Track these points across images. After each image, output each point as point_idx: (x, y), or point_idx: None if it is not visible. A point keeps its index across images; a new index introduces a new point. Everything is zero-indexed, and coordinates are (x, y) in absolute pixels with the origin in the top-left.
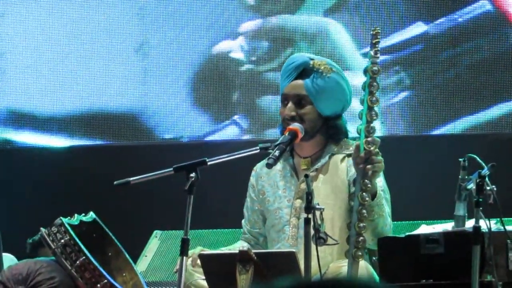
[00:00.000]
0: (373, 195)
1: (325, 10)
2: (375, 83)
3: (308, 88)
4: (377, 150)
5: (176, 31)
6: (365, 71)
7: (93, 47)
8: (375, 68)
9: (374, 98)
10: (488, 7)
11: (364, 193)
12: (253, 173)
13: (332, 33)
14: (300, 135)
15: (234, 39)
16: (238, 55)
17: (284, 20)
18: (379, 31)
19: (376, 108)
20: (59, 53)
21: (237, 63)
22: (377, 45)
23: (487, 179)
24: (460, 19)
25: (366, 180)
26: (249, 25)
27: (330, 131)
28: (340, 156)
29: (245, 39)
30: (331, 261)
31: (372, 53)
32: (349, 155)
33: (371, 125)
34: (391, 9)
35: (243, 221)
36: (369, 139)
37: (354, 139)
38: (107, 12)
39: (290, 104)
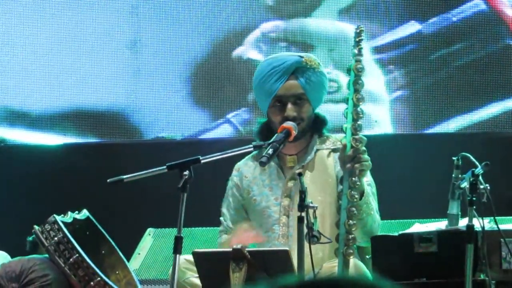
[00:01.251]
0: (361, 194)
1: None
2: (360, 81)
3: (304, 86)
4: (364, 148)
5: (169, 28)
6: (349, 70)
7: (86, 45)
8: (360, 66)
9: (359, 96)
10: (482, 6)
11: (352, 191)
12: (235, 172)
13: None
14: (294, 134)
15: (233, 37)
16: (242, 53)
17: (300, 23)
18: (362, 29)
19: (361, 106)
20: (52, 51)
21: (233, 61)
22: (360, 43)
23: (480, 177)
24: (454, 19)
25: (354, 178)
26: (265, 26)
27: (317, 124)
28: (326, 151)
29: (248, 38)
30: (322, 257)
31: (356, 51)
32: (334, 150)
33: (358, 123)
34: (385, 8)
35: (223, 219)
36: (356, 137)
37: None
38: (100, 10)
39: (290, 105)
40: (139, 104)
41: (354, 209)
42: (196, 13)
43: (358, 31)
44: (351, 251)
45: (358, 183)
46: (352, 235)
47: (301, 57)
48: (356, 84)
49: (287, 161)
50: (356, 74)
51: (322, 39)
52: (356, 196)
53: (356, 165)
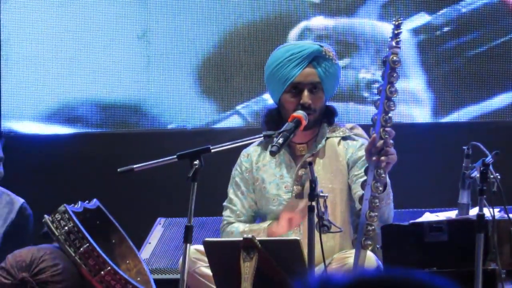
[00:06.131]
0: (384, 186)
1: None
2: (394, 74)
3: (320, 75)
4: (391, 141)
5: (180, 19)
6: (385, 61)
7: (96, 35)
8: (396, 58)
9: (393, 89)
10: None
11: (377, 183)
12: (244, 158)
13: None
14: (304, 123)
15: (244, 27)
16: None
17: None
18: (401, 21)
19: (394, 99)
20: (62, 41)
21: (243, 52)
22: (398, 36)
23: (491, 167)
24: (463, 10)
25: (379, 171)
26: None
27: (328, 114)
28: (336, 139)
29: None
30: (333, 245)
31: (393, 43)
32: (344, 138)
33: (389, 115)
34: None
35: (231, 205)
36: (387, 129)
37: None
38: (109, 0)
39: (306, 92)
40: (150, 95)
41: (377, 201)
42: (206, 3)
43: (397, 23)
44: (370, 242)
45: (383, 175)
46: (373, 227)
47: (321, 46)
48: (391, 77)
49: (298, 149)
50: (391, 66)
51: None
52: (380, 188)
53: (383, 158)
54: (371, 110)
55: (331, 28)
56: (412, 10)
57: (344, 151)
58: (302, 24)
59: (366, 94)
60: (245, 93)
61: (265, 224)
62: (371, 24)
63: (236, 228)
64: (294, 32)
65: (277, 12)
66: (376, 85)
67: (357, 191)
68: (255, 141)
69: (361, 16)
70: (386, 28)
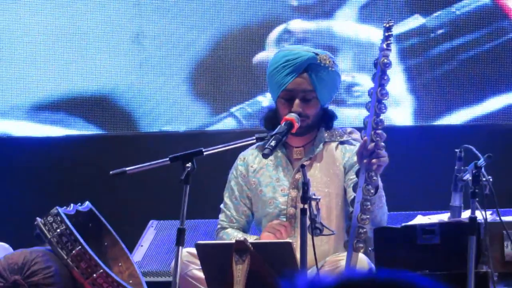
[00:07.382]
0: (376, 188)
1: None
2: (385, 76)
3: (314, 83)
4: (383, 144)
5: (173, 21)
6: (376, 64)
7: (89, 38)
8: (386, 61)
9: (384, 91)
10: (486, 0)
11: (368, 186)
12: (240, 162)
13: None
14: (297, 125)
15: (237, 31)
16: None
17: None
18: (392, 23)
19: (385, 102)
20: (54, 44)
21: (236, 55)
22: (389, 38)
23: (483, 169)
24: (457, 12)
25: (371, 173)
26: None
27: (326, 119)
28: (333, 144)
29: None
30: (328, 249)
31: (384, 46)
32: (341, 143)
33: (380, 118)
34: (389, 1)
35: (225, 208)
36: (378, 131)
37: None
38: (103, 2)
39: (297, 101)
40: (143, 97)
41: (368, 203)
42: (199, 6)
43: (387, 25)
44: (361, 245)
45: (374, 177)
46: (364, 229)
47: (316, 54)
48: (382, 79)
49: (295, 152)
50: (382, 69)
51: (347, 42)
52: (372, 190)
53: (374, 160)
54: (355, 112)
55: (311, 31)
56: (396, 12)
57: (341, 156)
58: (281, 27)
59: (346, 97)
60: (239, 96)
61: (251, 239)
62: (351, 27)
63: (228, 236)
64: (273, 35)
65: (272, 15)
66: (356, 88)
67: (351, 194)
68: (247, 144)
69: (340, 18)
70: (365, 31)
